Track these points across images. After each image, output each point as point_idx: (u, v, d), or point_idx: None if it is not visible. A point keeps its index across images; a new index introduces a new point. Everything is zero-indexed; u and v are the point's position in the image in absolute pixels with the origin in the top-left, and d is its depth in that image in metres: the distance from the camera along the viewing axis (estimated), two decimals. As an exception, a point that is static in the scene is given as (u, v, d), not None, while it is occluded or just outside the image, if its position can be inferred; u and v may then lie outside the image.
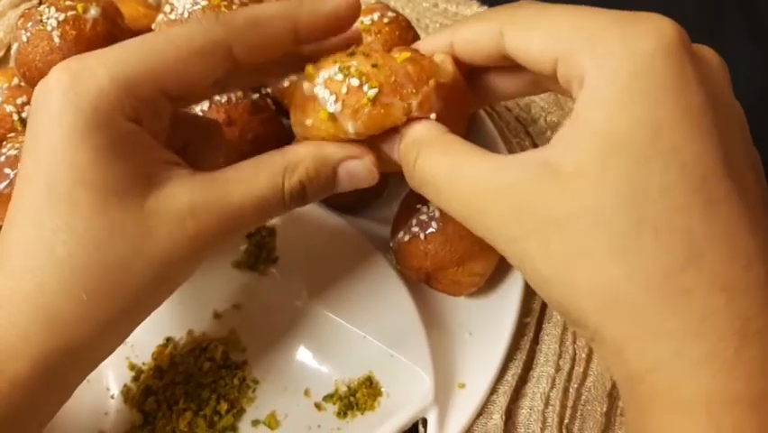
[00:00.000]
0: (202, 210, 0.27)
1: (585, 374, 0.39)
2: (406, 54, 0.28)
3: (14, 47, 0.43)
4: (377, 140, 0.29)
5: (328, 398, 0.38)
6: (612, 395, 0.38)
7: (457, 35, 0.29)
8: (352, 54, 0.28)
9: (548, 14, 0.25)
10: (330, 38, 0.31)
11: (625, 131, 0.22)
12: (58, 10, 0.42)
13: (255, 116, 0.41)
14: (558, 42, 0.24)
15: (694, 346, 0.21)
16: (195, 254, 0.28)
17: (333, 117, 0.28)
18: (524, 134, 0.50)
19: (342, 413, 0.37)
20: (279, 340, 0.39)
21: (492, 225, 0.24)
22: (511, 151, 0.46)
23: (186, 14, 0.41)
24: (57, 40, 0.41)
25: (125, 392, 0.38)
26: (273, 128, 0.42)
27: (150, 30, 0.43)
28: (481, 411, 0.38)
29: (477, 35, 0.28)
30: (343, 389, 0.38)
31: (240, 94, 0.42)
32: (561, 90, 0.27)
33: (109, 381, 0.38)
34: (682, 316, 0.21)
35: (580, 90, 0.23)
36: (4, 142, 0.42)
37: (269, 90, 0.44)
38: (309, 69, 0.29)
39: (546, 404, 0.38)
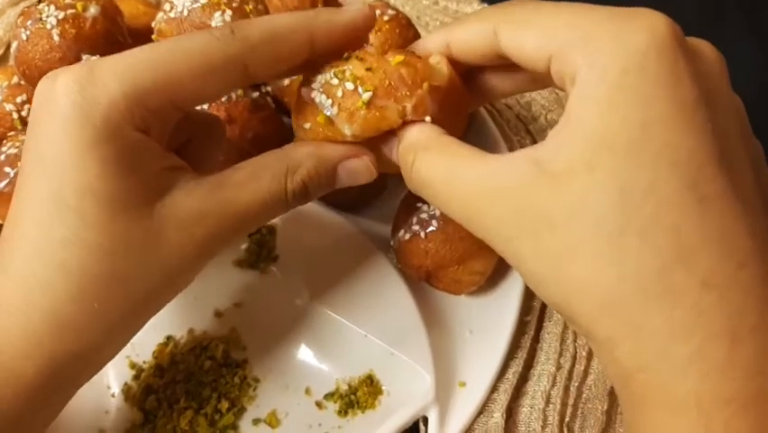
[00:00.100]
0: (209, 216, 0.27)
1: (586, 373, 0.39)
2: (400, 57, 0.28)
3: (14, 45, 0.43)
4: (376, 142, 0.29)
5: (329, 396, 0.38)
6: (613, 393, 0.38)
7: (452, 36, 0.29)
8: (348, 58, 0.29)
9: (542, 12, 0.25)
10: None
11: (615, 128, 0.22)
12: (57, 8, 0.42)
13: (255, 115, 0.41)
14: (551, 40, 0.24)
15: (683, 345, 0.21)
16: (201, 258, 0.28)
17: (330, 121, 0.28)
18: (524, 132, 0.50)
19: (342, 412, 0.37)
20: (280, 339, 0.40)
21: (489, 225, 0.24)
22: (512, 149, 0.46)
23: (185, 12, 0.41)
24: (56, 38, 0.41)
25: (126, 391, 0.38)
26: (273, 126, 0.42)
27: (149, 28, 0.43)
28: (482, 410, 0.38)
29: (472, 35, 0.28)
30: (344, 387, 0.38)
31: (240, 92, 0.42)
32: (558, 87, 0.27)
33: (110, 379, 0.38)
34: (671, 315, 0.21)
35: (572, 88, 0.23)
36: (4, 141, 0.42)
37: (269, 88, 0.44)
38: (306, 73, 0.30)
39: (547, 402, 0.38)
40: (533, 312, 0.41)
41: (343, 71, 0.28)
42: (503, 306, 0.40)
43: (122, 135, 0.25)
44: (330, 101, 0.28)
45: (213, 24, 0.37)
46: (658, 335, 0.21)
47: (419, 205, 0.39)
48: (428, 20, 0.57)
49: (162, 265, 0.27)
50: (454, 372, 0.39)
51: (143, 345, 0.39)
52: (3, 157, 0.40)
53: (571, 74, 0.23)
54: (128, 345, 0.35)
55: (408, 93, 0.27)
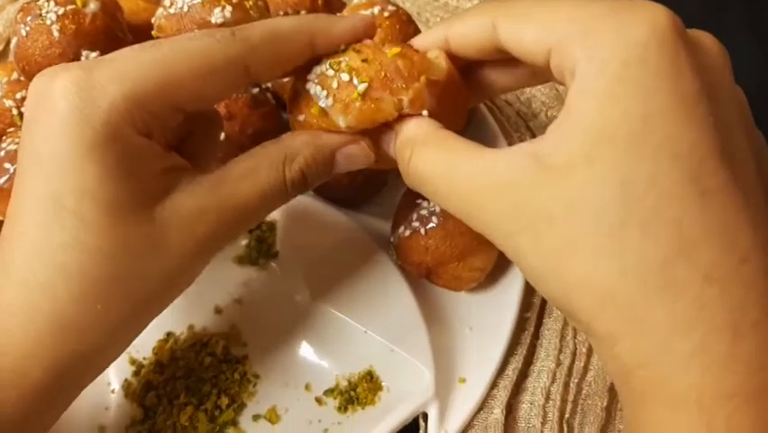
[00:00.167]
0: (209, 213, 0.27)
1: (586, 369, 0.39)
2: (397, 49, 0.28)
3: (14, 41, 0.43)
4: (373, 137, 0.29)
5: (329, 392, 0.38)
6: (613, 390, 0.38)
7: (451, 30, 0.28)
8: (345, 50, 0.28)
9: (541, 5, 0.25)
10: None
11: (615, 121, 0.21)
12: (57, 4, 0.42)
13: (255, 111, 0.41)
14: (550, 33, 0.24)
15: (685, 339, 0.21)
16: (203, 256, 0.28)
17: (324, 112, 0.28)
18: (524, 129, 0.50)
19: (342, 408, 0.37)
20: (280, 335, 0.40)
21: (488, 220, 0.24)
22: (512, 145, 0.46)
23: (185, 8, 0.41)
24: (56, 34, 0.41)
25: (126, 387, 0.38)
26: (273, 122, 0.42)
27: (149, 24, 0.43)
28: (482, 406, 0.38)
29: (471, 29, 0.28)
30: (344, 383, 0.38)
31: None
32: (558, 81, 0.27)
33: (110, 375, 0.38)
34: (672, 309, 0.21)
35: (572, 81, 0.23)
36: (4, 137, 0.42)
37: (269, 84, 0.44)
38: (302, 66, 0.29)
39: (547, 399, 0.38)
40: (533, 309, 0.41)
41: (339, 62, 0.28)
42: (503, 302, 0.40)
43: (122, 138, 0.25)
44: (325, 92, 0.28)
45: (213, 20, 0.37)
46: (659, 329, 0.21)
47: (419, 201, 0.39)
48: (429, 16, 0.57)
49: (163, 266, 0.26)
50: (454, 368, 0.39)
51: (143, 341, 0.39)
52: (2, 153, 0.40)
53: (571, 67, 0.23)
54: (128, 341, 0.35)
55: (404, 85, 0.27)
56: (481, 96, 0.32)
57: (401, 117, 0.28)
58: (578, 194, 0.22)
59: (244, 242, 0.42)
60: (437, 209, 0.38)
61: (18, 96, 0.44)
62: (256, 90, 0.42)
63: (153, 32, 0.40)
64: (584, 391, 0.39)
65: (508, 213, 0.23)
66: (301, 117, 0.29)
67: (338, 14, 0.45)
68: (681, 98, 0.21)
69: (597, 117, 0.22)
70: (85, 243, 0.25)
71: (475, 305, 0.41)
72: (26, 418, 0.25)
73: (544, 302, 0.42)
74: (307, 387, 0.38)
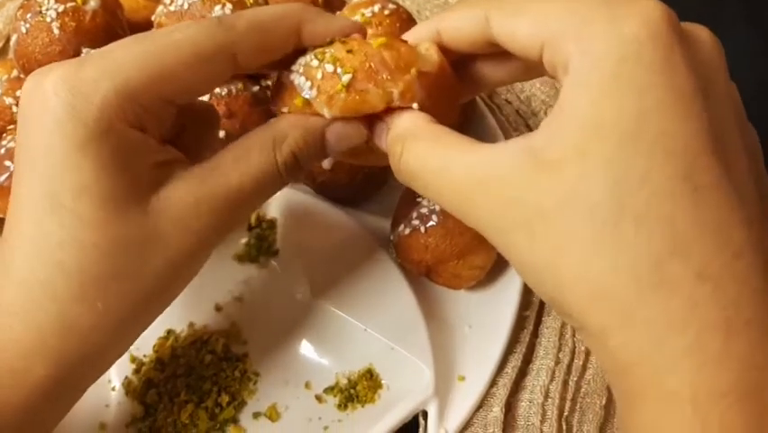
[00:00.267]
0: (203, 202, 0.27)
1: (584, 367, 0.39)
2: (382, 39, 0.27)
3: (14, 38, 0.43)
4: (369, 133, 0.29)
5: (329, 390, 0.38)
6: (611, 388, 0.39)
7: (443, 23, 0.28)
8: (331, 43, 0.28)
9: None
10: None
11: (609, 117, 0.21)
12: (57, 1, 0.42)
13: (256, 108, 0.41)
14: (544, 28, 0.23)
15: (678, 338, 0.20)
16: (202, 249, 0.28)
17: (308, 104, 0.27)
18: (524, 128, 0.50)
19: (342, 405, 0.37)
20: (280, 333, 0.40)
21: (481, 216, 0.24)
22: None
23: (186, 6, 0.41)
24: (56, 31, 0.41)
25: (126, 385, 0.38)
26: (274, 121, 0.42)
27: (149, 22, 0.43)
28: (481, 404, 0.38)
29: (463, 22, 0.27)
30: (344, 381, 0.38)
31: (240, 86, 0.41)
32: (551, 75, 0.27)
33: (110, 373, 0.38)
34: (666, 306, 0.21)
35: (565, 77, 0.23)
36: (4, 135, 0.42)
37: (269, 82, 0.44)
38: (286, 58, 0.29)
39: (546, 397, 0.38)
40: (532, 307, 0.41)
41: (324, 53, 0.27)
42: (502, 301, 0.40)
43: (115, 133, 0.25)
44: (309, 83, 0.27)
45: (213, 18, 0.37)
46: (653, 326, 0.21)
47: (419, 199, 0.39)
48: (428, 14, 0.57)
49: (163, 260, 0.26)
50: (454, 366, 0.39)
51: (144, 338, 0.38)
52: (3, 151, 0.40)
53: (564, 62, 0.23)
54: (129, 339, 0.35)
55: (390, 77, 0.27)
56: (474, 90, 0.32)
57: (391, 110, 0.27)
58: (571, 189, 0.21)
59: (244, 240, 0.42)
60: (437, 208, 0.38)
61: (18, 93, 0.44)
62: (256, 88, 0.42)
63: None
64: (583, 390, 0.39)
65: (501, 208, 0.23)
66: (285, 109, 0.29)
67: (337, 13, 0.45)
68: (676, 94, 0.21)
69: (591, 112, 0.22)
70: (82, 240, 0.25)
71: (474, 303, 0.41)
72: (28, 419, 0.25)
73: (543, 301, 0.42)
74: (307, 385, 0.38)
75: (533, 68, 0.28)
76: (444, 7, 0.58)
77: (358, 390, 0.38)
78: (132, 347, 0.38)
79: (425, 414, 0.37)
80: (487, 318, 0.40)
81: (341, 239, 0.42)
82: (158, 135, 0.27)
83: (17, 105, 0.43)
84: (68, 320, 0.25)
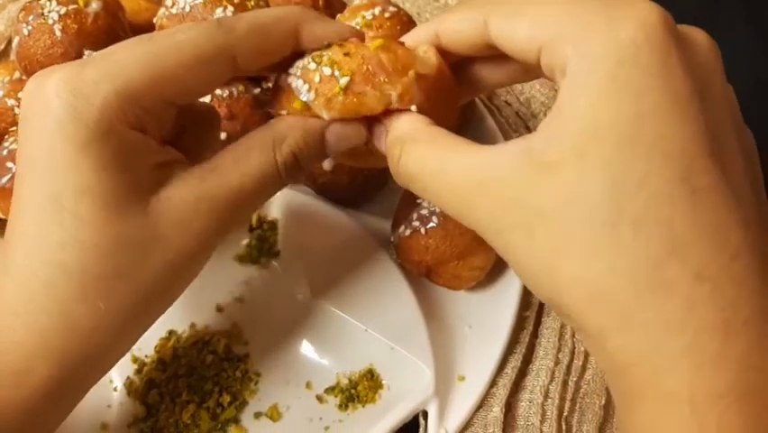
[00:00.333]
0: (203, 202, 0.27)
1: (584, 367, 0.40)
2: (379, 41, 0.28)
3: (15, 40, 0.43)
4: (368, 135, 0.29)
5: (330, 390, 0.38)
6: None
7: (442, 25, 0.28)
8: (329, 46, 0.28)
9: (532, 2, 0.25)
10: None
11: (607, 119, 0.21)
12: (59, 3, 0.42)
13: (257, 111, 0.41)
14: (542, 31, 0.24)
15: (676, 338, 0.21)
16: (203, 248, 0.28)
17: (306, 107, 0.28)
18: (524, 129, 0.50)
19: (343, 405, 0.38)
20: (281, 333, 0.40)
21: (480, 217, 0.24)
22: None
23: (187, 9, 0.41)
24: (58, 33, 0.41)
25: (128, 385, 0.38)
26: (275, 122, 0.43)
27: (151, 24, 0.43)
28: (481, 404, 0.38)
29: (461, 25, 0.27)
30: (345, 381, 0.38)
31: (241, 88, 0.42)
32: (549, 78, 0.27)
33: (112, 373, 0.38)
34: (664, 308, 0.21)
35: (562, 79, 0.23)
36: (6, 136, 0.42)
37: (270, 85, 0.45)
38: (284, 62, 0.29)
39: (546, 397, 0.38)
40: (531, 308, 0.42)
41: (321, 56, 0.27)
42: (502, 301, 0.41)
43: (115, 134, 0.25)
44: (307, 86, 0.27)
45: (215, 21, 0.37)
46: (651, 327, 0.21)
47: (419, 201, 0.39)
48: (428, 16, 0.57)
49: (164, 260, 0.26)
50: (454, 366, 0.39)
51: (146, 339, 0.38)
52: (5, 152, 0.40)
53: (562, 65, 0.23)
54: (131, 339, 0.35)
55: (387, 79, 0.27)
56: (473, 92, 0.32)
57: (390, 112, 0.27)
58: (570, 191, 0.22)
59: (246, 241, 0.42)
60: (437, 209, 0.38)
61: (20, 95, 0.44)
62: (258, 91, 0.43)
63: (156, 33, 0.40)
64: (582, 390, 0.39)
65: (500, 209, 0.23)
66: (283, 112, 0.29)
67: (337, 16, 0.45)
68: (674, 97, 0.21)
69: (589, 114, 0.22)
70: (83, 240, 0.25)
71: (474, 304, 0.41)
72: (29, 420, 0.25)
73: (542, 302, 0.42)
74: (308, 385, 0.38)
75: (531, 70, 0.29)
76: (444, 10, 0.58)
77: (359, 390, 0.38)
78: (133, 348, 0.39)
79: (425, 414, 0.37)
80: (487, 319, 0.40)
81: (341, 240, 0.42)
82: (158, 136, 0.28)
83: (19, 106, 0.44)
84: (69, 321, 0.25)
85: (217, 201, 0.27)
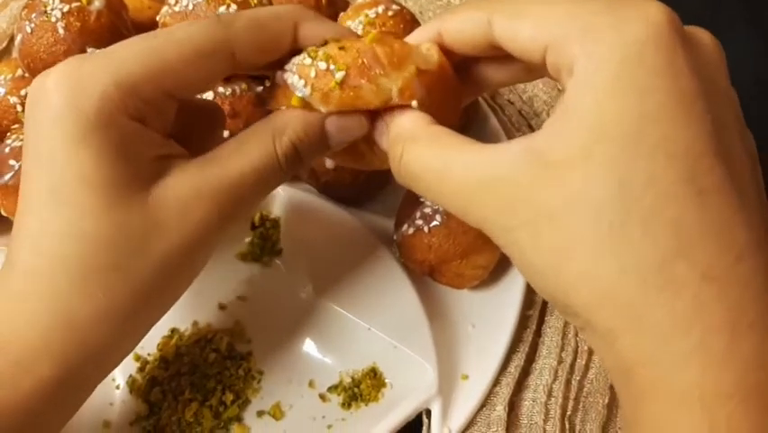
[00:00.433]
0: (203, 192, 0.27)
1: (587, 366, 0.40)
2: (373, 34, 0.28)
3: (18, 38, 0.43)
4: (368, 135, 0.29)
5: (332, 389, 0.38)
6: (614, 387, 0.39)
7: (445, 25, 0.28)
8: (325, 43, 0.28)
9: (537, 2, 0.25)
10: None
11: (613, 119, 0.21)
12: (62, 1, 0.42)
13: (259, 109, 0.41)
14: (547, 30, 0.24)
15: (684, 338, 0.21)
16: (203, 240, 0.28)
17: (303, 103, 0.28)
18: (526, 128, 0.50)
19: (346, 404, 0.38)
20: (284, 332, 0.40)
21: (485, 216, 0.24)
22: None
23: (190, 6, 0.41)
24: (61, 31, 0.41)
25: (131, 383, 0.38)
26: (277, 121, 0.42)
27: (154, 22, 0.43)
28: (484, 403, 0.38)
29: (465, 24, 0.27)
30: (348, 380, 0.38)
31: (244, 86, 0.42)
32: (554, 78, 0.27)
33: (114, 371, 0.38)
34: (672, 308, 0.21)
35: (569, 79, 0.23)
36: (9, 134, 0.42)
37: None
38: (280, 60, 0.29)
39: (549, 396, 0.38)
40: (535, 306, 0.42)
41: (317, 51, 0.27)
42: (505, 300, 0.41)
43: (116, 125, 0.25)
44: (303, 81, 0.27)
45: (218, 18, 0.37)
46: (659, 327, 0.21)
47: (422, 199, 0.39)
48: (431, 15, 0.57)
49: (163, 250, 0.26)
50: (457, 365, 0.39)
51: (148, 337, 0.38)
52: (8, 150, 0.40)
53: (568, 65, 0.23)
54: (134, 337, 0.35)
55: (383, 72, 0.27)
56: (476, 92, 0.32)
57: (392, 109, 0.27)
58: (577, 191, 0.22)
59: (248, 239, 0.42)
60: (440, 208, 0.38)
61: (22, 92, 0.44)
62: (260, 89, 0.43)
63: (159, 30, 0.40)
64: (586, 389, 0.39)
65: (506, 208, 0.23)
66: (282, 109, 0.29)
67: (340, 15, 0.45)
68: (679, 97, 0.21)
69: (595, 113, 0.22)
70: (83, 230, 0.25)
71: (478, 302, 0.41)
72: (29, 420, 0.25)
73: (546, 300, 0.42)
74: (311, 383, 0.38)
75: (535, 69, 0.29)
76: (446, 8, 0.58)
77: (362, 388, 0.38)
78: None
79: (428, 413, 0.37)
80: (490, 318, 0.40)
81: (344, 238, 0.42)
82: (160, 129, 0.28)
83: (21, 104, 0.44)
84: (70, 313, 0.25)
85: (217, 191, 0.27)
